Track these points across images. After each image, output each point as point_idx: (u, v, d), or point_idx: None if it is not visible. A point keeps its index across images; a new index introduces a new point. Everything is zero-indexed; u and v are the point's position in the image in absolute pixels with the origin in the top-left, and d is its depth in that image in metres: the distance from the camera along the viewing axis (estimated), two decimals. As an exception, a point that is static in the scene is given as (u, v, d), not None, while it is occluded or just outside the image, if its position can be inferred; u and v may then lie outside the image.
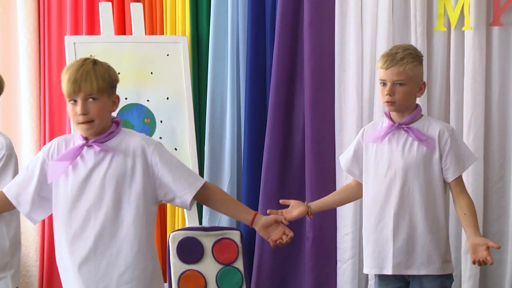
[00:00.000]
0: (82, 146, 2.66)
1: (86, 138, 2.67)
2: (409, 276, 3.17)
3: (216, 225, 4.61)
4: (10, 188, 2.72)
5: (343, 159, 3.36)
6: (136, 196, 2.63)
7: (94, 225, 2.60)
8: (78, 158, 2.66)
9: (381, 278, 3.23)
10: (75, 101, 2.62)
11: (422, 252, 3.14)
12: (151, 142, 2.73)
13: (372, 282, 4.08)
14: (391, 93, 3.09)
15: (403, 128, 3.15)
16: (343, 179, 4.19)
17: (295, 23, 4.46)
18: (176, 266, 4.08)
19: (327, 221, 4.29)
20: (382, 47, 4.01)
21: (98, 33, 4.82)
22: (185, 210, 4.45)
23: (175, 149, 4.44)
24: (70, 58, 4.33)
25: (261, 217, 2.74)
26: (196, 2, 4.87)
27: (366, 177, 3.25)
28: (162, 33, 4.91)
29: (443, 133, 3.13)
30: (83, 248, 2.60)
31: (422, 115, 3.19)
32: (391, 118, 3.17)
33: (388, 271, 3.16)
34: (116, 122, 2.72)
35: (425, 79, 3.93)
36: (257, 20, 4.62)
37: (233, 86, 4.70)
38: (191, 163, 4.45)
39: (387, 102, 3.11)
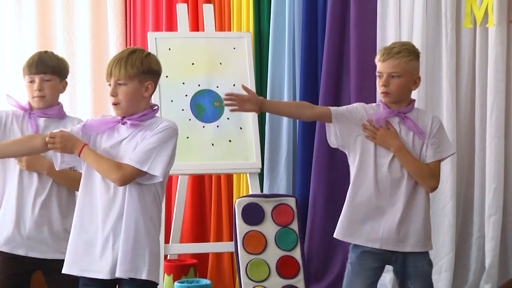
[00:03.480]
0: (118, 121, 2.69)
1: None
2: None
3: (275, 192, 4.84)
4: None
5: (333, 108, 3.08)
6: None
7: None
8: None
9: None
10: (110, 84, 2.67)
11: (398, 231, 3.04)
12: None
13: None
14: (386, 84, 2.98)
15: (400, 116, 3.03)
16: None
17: (343, 22, 4.61)
18: (241, 227, 4.21)
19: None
20: (417, 43, 4.08)
21: (176, 29, 5.00)
22: (249, 180, 4.55)
23: (240, 128, 4.58)
24: (152, 51, 4.30)
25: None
26: (259, 4, 5.03)
27: (367, 156, 3.05)
28: (229, 29, 5.08)
29: (434, 121, 3.05)
30: None
31: (415, 108, 3.09)
32: (388, 107, 3.05)
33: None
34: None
35: (454, 70, 4.12)
36: (310, 19, 4.76)
37: (290, 75, 4.86)
38: (254, 140, 4.56)
39: (383, 93, 3.01)
